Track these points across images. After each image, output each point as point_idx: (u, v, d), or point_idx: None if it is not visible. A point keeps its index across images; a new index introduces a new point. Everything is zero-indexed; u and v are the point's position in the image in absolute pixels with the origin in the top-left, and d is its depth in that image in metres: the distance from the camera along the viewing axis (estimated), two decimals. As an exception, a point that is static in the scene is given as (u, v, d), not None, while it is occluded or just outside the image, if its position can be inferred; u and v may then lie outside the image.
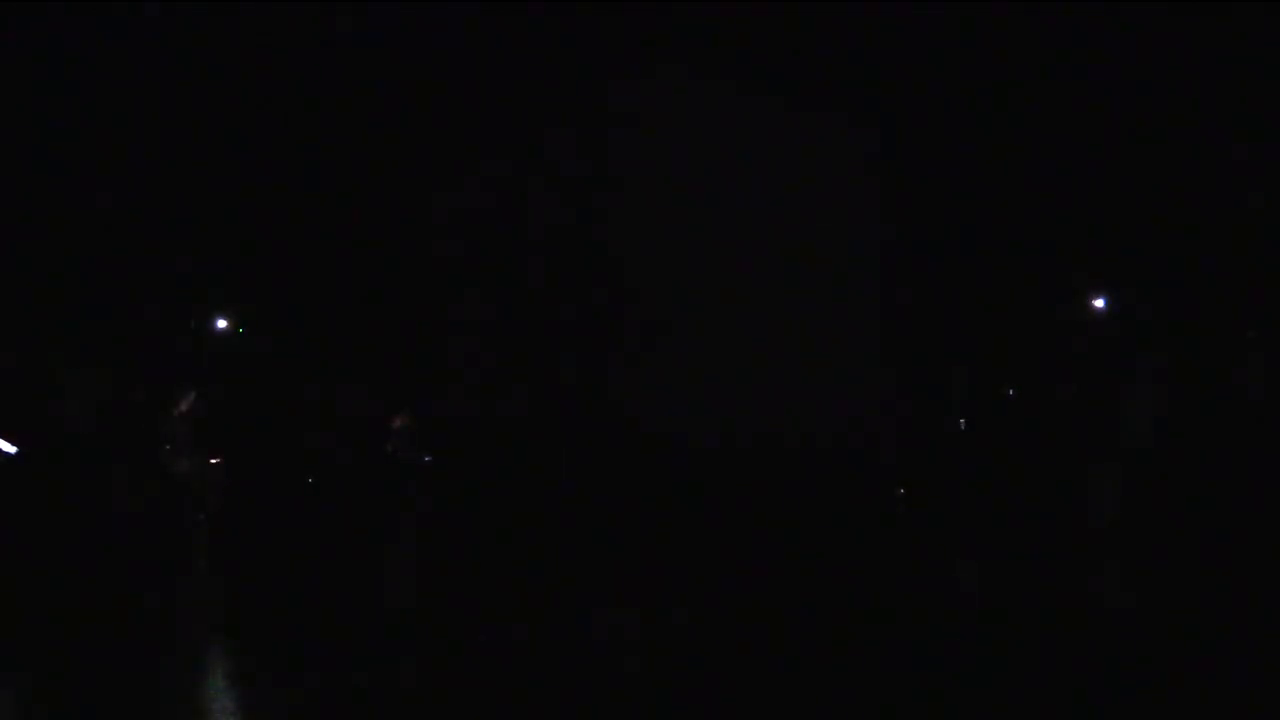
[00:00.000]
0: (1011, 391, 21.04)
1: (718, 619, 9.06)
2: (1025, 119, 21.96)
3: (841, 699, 6.48)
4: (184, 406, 13.71)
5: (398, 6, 18.71)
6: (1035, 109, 21.91)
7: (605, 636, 8.42)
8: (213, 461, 13.85)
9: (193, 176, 20.20)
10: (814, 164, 16.24)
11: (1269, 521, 12.23)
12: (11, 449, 12.46)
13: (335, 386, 18.76)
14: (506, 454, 16.01)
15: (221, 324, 23.03)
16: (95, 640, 8.58)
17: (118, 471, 13.96)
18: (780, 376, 15.35)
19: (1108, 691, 6.40)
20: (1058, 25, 20.72)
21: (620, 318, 15.04)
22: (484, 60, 17.96)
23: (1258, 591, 9.27)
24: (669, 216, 15.00)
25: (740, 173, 15.50)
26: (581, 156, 15.28)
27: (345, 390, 18.43)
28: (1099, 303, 25.13)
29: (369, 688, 6.92)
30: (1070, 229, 23.03)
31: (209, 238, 20.58)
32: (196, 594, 11.51)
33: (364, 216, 19.43)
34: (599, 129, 15.28)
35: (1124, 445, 14.09)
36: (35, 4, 18.19)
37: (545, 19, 17.33)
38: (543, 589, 10.83)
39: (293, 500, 16.87)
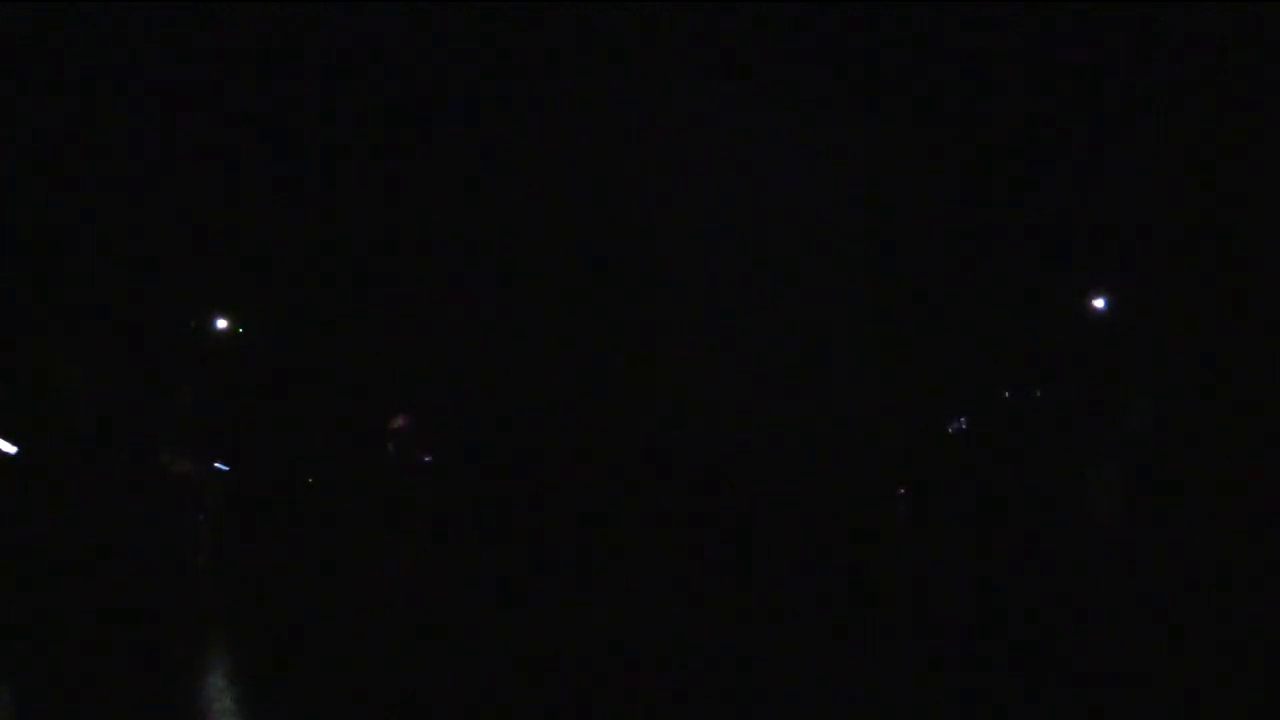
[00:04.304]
0: (1008, 393, 21.07)
1: (717, 618, 9.07)
2: (1026, 119, 21.97)
3: (841, 699, 6.48)
4: (186, 407, 13.72)
5: (402, 5, 18.72)
6: (1036, 109, 21.92)
7: (604, 635, 8.42)
8: (214, 462, 13.86)
9: (193, 176, 20.19)
10: (812, 162, 16.24)
11: (1269, 519, 12.23)
12: (11, 449, 12.47)
13: (335, 386, 18.76)
14: (506, 454, 16.01)
15: (221, 324, 23.04)
16: (95, 640, 8.59)
17: (118, 471, 13.96)
18: (779, 376, 15.35)
19: (1108, 689, 6.40)
20: (1060, 23, 20.72)
21: (619, 317, 15.05)
22: (485, 59, 17.96)
23: (1258, 589, 9.28)
24: (667, 216, 15.00)
25: (739, 172, 15.50)
26: (580, 155, 15.29)
27: (345, 390, 18.43)
28: (1099, 303, 25.16)
29: (369, 687, 6.92)
30: (1070, 229, 23.03)
31: (209, 238, 20.57)
32: (196, 594, 11.52)
33: (365, 216, 19.43)
34: (596, 128, 15.29)
35: (1124, 444, 14.11)
36: (37, 3, 18.19)
37: (544, 18, 17.34)
38: (543, 588, 10.84)
39: (292, 500, 16.87)
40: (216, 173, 20.28)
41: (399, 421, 15.68)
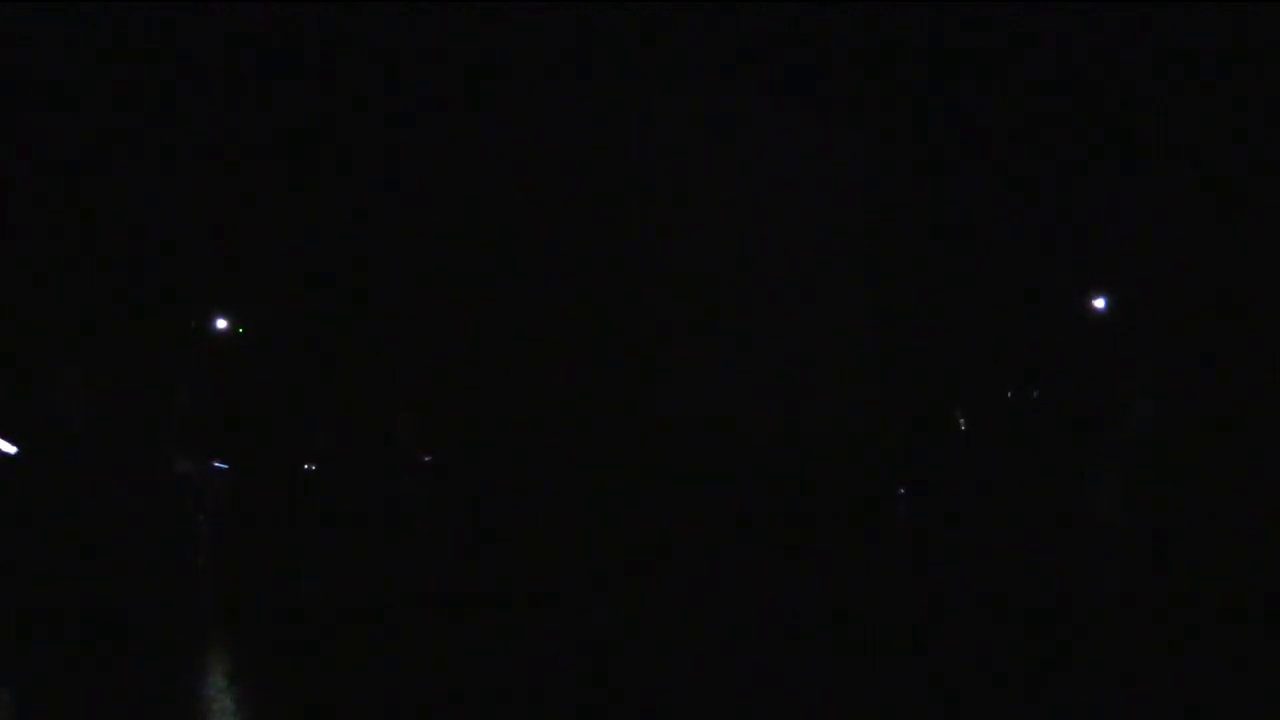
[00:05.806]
0: (1010, 393, 21.07)
1: (717, 618, 9.07)
2: (1027, 119, 21.99)
3: (842, 699, 6.48)
4: (186, 407, 13.72)
5: (403, 6, 18.74)
6: (1037, 110, 21.94)
7: (603, 635, 8.42)
8: (214, 462, 13.85)
9: (193, 176, 20.21)
10: (812, 163, 16.25)
11: (1269, 520, 12.24)
12: (12, 449, 12.46)
13: (336, 386, 18.76)
14: (507, 454, 16.02)
15: (221, 324, 23.06)
16: (95, 640, 8.58)
17: (118, 471, 13.96)
18: (779, 376, 15.35)
19: (1109, 688, 6.40)
20: (1061, 25, 20.73)
21: (618, 317, 15.06)
22: (487, 59, 17.97)
23: (1258, 589, 9.28)
24: (667, 217, 15.01)
25: (739, 172, 15.51)
26: (581, 155, 15.30)
27: (345, 390, 18.43)
28: (1099, 303, 25.20)
29: (369, 687, 6.92)
30: (1070, 229, 23.06)
31: (209, 238, 20.58)
32: (197, 594, 11.52)
33: (366, 215, 19.44)
34: (597, 128, 15.30)
35: (1124, 444, 14.10)
36: (39, 3, 18.20)
37: (544, 18, 17.35)
38: (542, 588, 10.84)
39: (293, 500, 16.88)
40: (217, 173, 20.30)
41: (399, 421, 15.67)
